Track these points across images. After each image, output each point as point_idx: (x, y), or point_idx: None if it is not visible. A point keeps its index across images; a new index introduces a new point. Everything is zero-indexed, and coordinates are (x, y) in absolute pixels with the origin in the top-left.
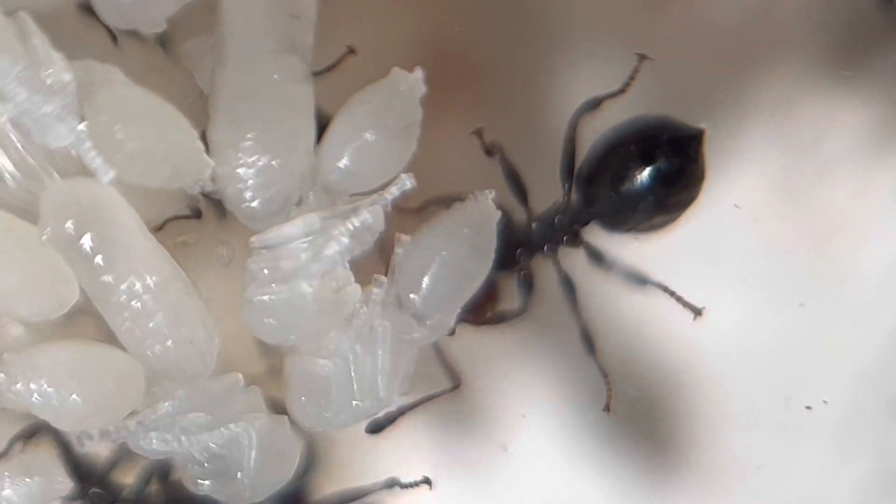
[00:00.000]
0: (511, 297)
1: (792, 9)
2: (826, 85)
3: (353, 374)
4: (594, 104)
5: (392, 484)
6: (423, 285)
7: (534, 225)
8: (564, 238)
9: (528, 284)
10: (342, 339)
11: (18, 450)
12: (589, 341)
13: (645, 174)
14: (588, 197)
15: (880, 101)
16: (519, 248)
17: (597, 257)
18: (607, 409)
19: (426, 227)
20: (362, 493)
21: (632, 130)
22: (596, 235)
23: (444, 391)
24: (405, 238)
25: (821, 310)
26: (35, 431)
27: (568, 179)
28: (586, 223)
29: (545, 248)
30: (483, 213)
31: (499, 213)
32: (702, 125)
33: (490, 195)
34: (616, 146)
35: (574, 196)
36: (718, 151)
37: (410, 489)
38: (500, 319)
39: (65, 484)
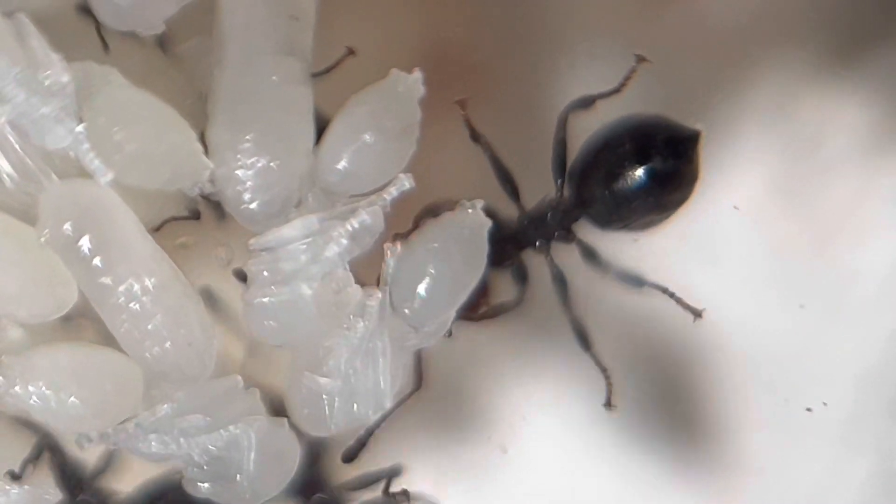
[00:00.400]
0: (507, 291)
1: (792, 9)
2: (826, 86)
3: (354, 386)
4: (587, 102)
5: (397, 471)
6: (417, 298)
7: (525, 220)
8: (556, 234)
9: (522, 276)
10: (342, 356)
11: (31, 472)
12: (583, 337)
13: (640, 173)
14: (580, 193)
15: (880, 101)
16: (509, 244)
17: (591, 256)
18: (608, 404)
19: (417, 238)
20: (371, 479)
21: (627, 128)
22: (592, 235)
23: (405, 397)
24: (395, 248)
25: (821, 311)
26: (42, 450)
27: (560, 175)
28: (577, 219)
29: (537, 243)
30: (474, 223)
31: (489, 223)
32: (698, 126)
33: (480, 205)
34: (610, 144)
35: (566, 192)
36: (718, 153)
37: (393, 499)
38: (496, 313)
39: (54, 495)
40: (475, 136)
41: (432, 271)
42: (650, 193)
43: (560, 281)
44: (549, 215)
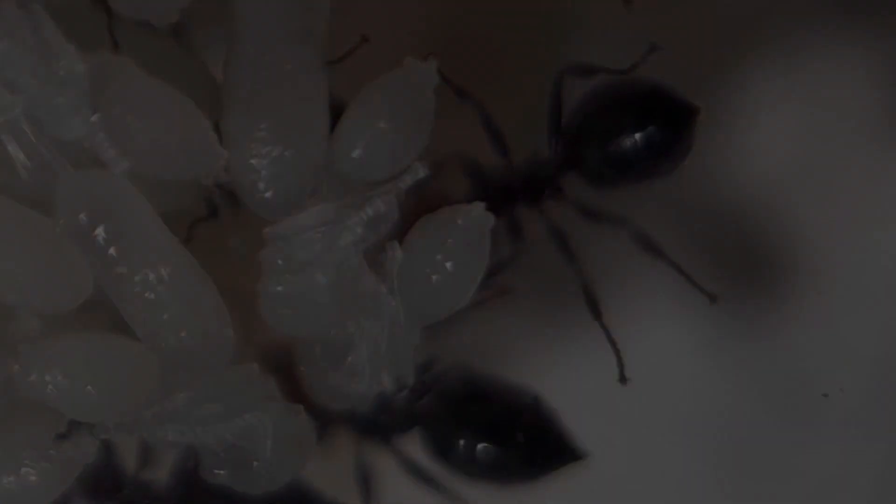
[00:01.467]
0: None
1: None
2: (844, 70)
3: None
4: (589, 70)
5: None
6: (422, 300)
7: (514, 172)
8: (546, 189)
9: (516, 232)
10: (362, 352)
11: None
12: (593, 304)
13: (637, 139)
14: (574, 149)
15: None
16: (498, 196)
17: (587, 211)
18: (622, 378)
19: (419, 238)
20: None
21: (631, 93)
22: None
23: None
24: (396, 248)
25: (837, 297)
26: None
27: (553, 130)
28: (566, 173)
29: (527, 198)
30: (477, 222)
31: (492, 220)
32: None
33: (482, 206)
34: (613, 105)
35: (559, 146)
36: (734, 136)
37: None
38: (494, 272)
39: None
40: (461, 94)
41: (436, 277)
42: (645, 161)
43: (558, 236)
44: (539, 168)
